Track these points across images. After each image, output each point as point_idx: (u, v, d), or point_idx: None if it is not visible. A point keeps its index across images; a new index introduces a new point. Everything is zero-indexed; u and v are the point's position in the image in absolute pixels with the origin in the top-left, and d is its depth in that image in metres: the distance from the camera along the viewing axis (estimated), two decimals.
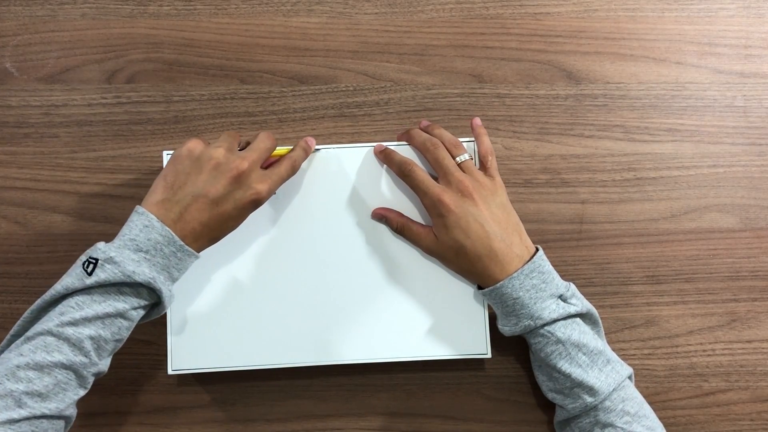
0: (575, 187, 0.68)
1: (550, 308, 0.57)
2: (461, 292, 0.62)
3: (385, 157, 0.62)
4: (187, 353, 0.61)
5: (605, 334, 0.65)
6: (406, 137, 0.63)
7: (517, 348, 0.66)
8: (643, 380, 0.66)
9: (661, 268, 0.68)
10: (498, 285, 0.58)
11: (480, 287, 0.61)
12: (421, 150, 0.62)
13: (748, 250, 0.68)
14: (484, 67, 0.70)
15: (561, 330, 0.57)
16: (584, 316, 0.60)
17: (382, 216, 0.62)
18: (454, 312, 0.62)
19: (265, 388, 0.65)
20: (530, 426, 0.66)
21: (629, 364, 0.66)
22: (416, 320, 0.62)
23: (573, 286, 0.60)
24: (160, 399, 0.65)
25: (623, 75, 0.70)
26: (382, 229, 0.63)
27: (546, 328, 0.57)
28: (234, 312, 0.61)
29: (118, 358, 0.66)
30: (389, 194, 0.63)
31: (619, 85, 0.70)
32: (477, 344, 0.62)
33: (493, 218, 0.59)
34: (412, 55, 0.70)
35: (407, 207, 0.63)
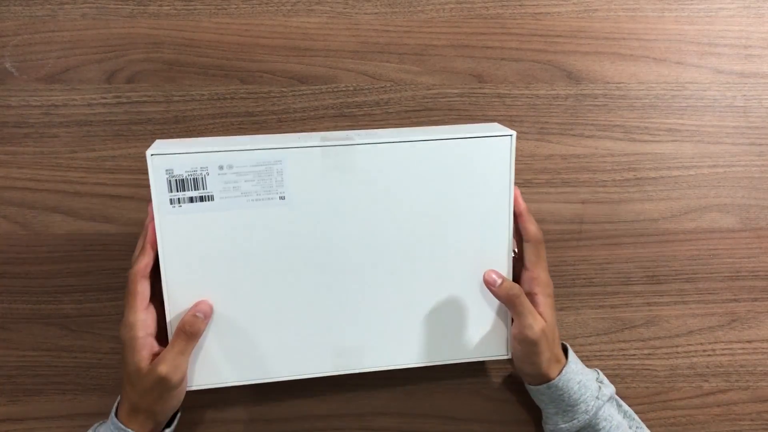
0: (575, 187, 0.68)
1: (601, 392, 0.59)
2: (483, 296, 0.61)
3: (492, 283, 0.59)
4: (199, 369, 0.58)
5: (605, 334, 0.66)
6: (524, 221, 0.60)
7: None
8: (643, 380, 0.66)
9: (661, 268, 0.68)
10: (563, 372, 0.58)
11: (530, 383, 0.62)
12: (534, 240, 0.59)
13: (748, 250, 0.68)
14: (484, 67, 0.70)
15: (612, 411, 0.59)
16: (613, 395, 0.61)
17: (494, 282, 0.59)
18: (476, 316, 0.61)
19: (265, 388, 0.65)
20: (530, 426, 0.66)
21: (629, 364, 0.66)
22: (436, 325, 0.60)
23: (598, 370, 0.62)
24: None
25: (623, 75, 0.70)
26: (400, 232, 0.59)
27: (602, 411, 0.58)
28: (245, 324, 0.58)
29: (118, 358, 0.66)
30: (407, 194, 0.59)
31: (619, 85, 0.70)
32: (498, 346, 0.62)
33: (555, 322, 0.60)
34: (412, 55, 0.70)
35: (409, 210, 0.60)
